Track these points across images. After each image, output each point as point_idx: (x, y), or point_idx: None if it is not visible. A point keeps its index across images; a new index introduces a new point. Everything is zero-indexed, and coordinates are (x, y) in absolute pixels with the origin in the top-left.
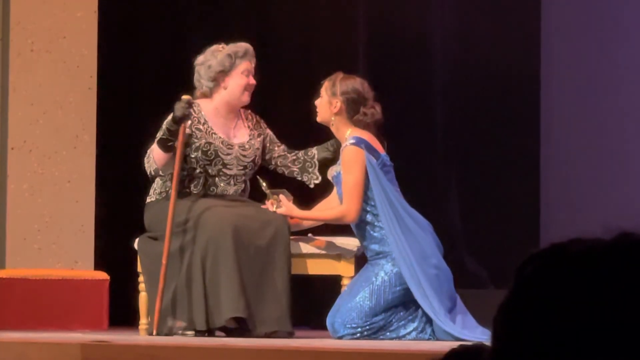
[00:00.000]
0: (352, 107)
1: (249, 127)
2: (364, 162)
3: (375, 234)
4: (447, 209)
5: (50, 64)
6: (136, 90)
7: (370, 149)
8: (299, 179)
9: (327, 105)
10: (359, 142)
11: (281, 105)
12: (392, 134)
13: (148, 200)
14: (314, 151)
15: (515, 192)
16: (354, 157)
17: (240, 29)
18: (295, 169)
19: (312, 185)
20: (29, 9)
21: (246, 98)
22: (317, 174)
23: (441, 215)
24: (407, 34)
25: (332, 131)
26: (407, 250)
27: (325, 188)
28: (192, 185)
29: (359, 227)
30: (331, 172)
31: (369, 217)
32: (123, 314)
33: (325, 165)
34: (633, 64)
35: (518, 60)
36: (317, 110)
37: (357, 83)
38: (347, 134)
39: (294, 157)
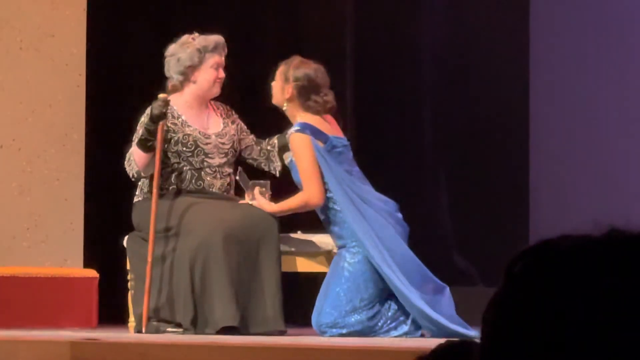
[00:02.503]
0: (304, 95)
1: (220, 115)
2: (311, 146)
3: (334, 218)
4: (436, 206)
5: (39, 62)
6: (125, 88)
7: (316, 132)
8: (266, 169)
9: (280, 90)
10: (304, 128)
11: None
12: (382, 130)
13: (135, 200)
14: (275, 140)
15: (504, 189)
16: (300, 144)
17: (229, 28)
18: (262, 160)
19: (277, 174)
20: (17, 7)
21: (217, 90)
22: (279, 162)
23: (431, 213)
24: (396, 32)
25: (287, 115)
26: (369, 230)
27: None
28: (178, 181)
29: (322, 212)
30: (286, 159)
31: (326, 201)
32: (112, 311)
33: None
34: (621, 62)
35: (507, 58)
36: (272, 92)
37: (310, 70)
38: (298, 118)
39: (259, 148)
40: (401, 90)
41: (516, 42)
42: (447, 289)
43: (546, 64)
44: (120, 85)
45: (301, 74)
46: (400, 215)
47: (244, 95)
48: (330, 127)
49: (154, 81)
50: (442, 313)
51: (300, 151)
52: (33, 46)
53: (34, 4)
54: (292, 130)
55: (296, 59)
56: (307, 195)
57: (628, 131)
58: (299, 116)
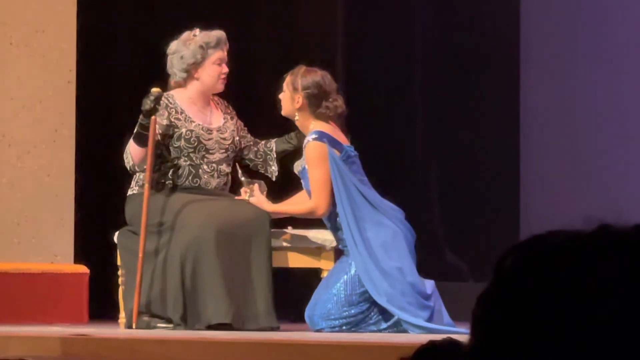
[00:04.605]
0: (314, 102)
1: (221, 110)
2: (326, 156)
3: (339, 226)
4: (427, 202)
5: (29, 58)
6: (115, 84)
7: (332, 142)
8: (262, 172)
9: (289, 100)
10: (321, 136)
11: (259, 97)
12: (373, 127)
13: (129, 192)
14: (273, 144)
15: (495, 185)
16: (317, 152)
17: (221, 23)
18: (258, 162)
19: (273, 178)
20: (7, 2)
21: (220, 86)
22: (276, 166)
23: (421, 208)
24: (387, 25)
25: (297, 125)
26: (361, 244)
27: (298, 181)
28: (175, 176)
29: (330, 219)
30: (297, 167)
31: (332, 208)
32: (103, 307)
33: (285, 157)
34: (612, 59)
35: (497, 56)
36: (282, 104)
37: (318, 77)
38: (311, 127)
39: (256, 149)
40: (392, 87)
41: (507, 41)
42: (433, 283)
43: (537, 61)
44: (110, 81)
45: (310, 81)
46: (407, 223)
47: (237, 97)
48: (342, 136)
49: (145, 76)
50: (434, 316)
51: (316, 160)
52: (23, 42)
53: (24, 0)
54: (308, 138)
55: (302, 68)
56: (315, 205)
57: (618, 128)
58: (312, 125)
